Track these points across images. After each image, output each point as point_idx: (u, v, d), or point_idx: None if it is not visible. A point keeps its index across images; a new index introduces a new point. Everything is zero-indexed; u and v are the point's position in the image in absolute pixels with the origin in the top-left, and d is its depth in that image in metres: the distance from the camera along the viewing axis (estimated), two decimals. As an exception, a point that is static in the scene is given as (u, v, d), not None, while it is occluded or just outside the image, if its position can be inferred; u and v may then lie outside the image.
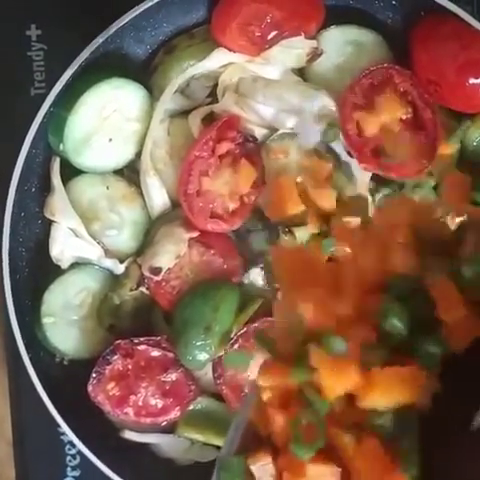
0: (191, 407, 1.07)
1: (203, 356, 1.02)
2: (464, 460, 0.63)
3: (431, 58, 1.00)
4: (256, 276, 1.06)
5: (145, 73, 1.08)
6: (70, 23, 1.12)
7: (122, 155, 1.07)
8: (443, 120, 1.01)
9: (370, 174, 1.03)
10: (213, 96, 1.07)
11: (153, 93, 1.06)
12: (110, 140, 1.05)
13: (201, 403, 1.08)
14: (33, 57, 1.15)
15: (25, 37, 1.15)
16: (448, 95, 1.01)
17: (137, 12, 1.01)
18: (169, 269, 1.04)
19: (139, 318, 1.08)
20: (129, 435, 1.08)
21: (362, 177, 1.03)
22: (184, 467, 1.10)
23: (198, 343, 1.02)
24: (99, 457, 1.05)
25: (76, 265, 1.07)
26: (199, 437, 1.08)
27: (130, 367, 1.04)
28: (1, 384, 1.17)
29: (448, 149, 1.02)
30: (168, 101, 1.05)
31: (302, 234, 1.02)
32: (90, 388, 1.05)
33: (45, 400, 1.04)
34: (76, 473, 1.16)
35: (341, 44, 1.04)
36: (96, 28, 1.02)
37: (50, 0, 1.15)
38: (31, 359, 1.04)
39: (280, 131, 1.04)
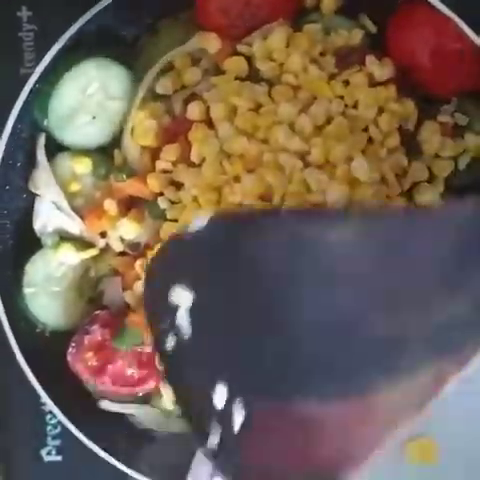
0: (167, 379, 1.10)
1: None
2: None
3: (406, 45, 1.03)
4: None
5: (130, 54, 1.10)
6: (60, 4, 1.14)
7: (105, 133, 1.09)
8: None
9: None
10: (195, 78, 1.10)
11: (137, 74, 1.09)
12: (93, 118, 1.08)
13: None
14: (23, 38, 1.18)
15: (16, 18, 1.18)
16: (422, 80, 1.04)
17: (122, -7, 1.04)
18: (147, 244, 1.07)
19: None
20: (105, 405, 1.10)
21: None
22: (161, 437, 1.13)
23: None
24: (78, 427, 1.07)
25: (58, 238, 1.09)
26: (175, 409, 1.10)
27: (108, 337, 1.07)
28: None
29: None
30: (151, 82, 1.08)
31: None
32: (69, 357, 1.08)
33: (26, 370, 1.06)
34: (56, 442, 1.19)
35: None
36: (86, 9, 1.05)
37: (41, -18, 1.18)
38: (12, 329, 1.06)
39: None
